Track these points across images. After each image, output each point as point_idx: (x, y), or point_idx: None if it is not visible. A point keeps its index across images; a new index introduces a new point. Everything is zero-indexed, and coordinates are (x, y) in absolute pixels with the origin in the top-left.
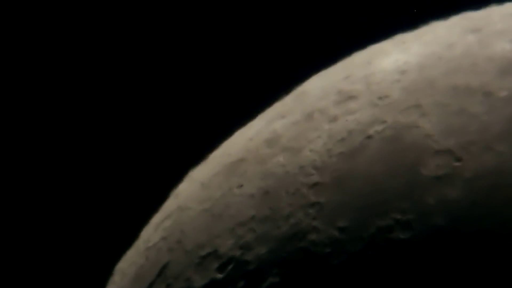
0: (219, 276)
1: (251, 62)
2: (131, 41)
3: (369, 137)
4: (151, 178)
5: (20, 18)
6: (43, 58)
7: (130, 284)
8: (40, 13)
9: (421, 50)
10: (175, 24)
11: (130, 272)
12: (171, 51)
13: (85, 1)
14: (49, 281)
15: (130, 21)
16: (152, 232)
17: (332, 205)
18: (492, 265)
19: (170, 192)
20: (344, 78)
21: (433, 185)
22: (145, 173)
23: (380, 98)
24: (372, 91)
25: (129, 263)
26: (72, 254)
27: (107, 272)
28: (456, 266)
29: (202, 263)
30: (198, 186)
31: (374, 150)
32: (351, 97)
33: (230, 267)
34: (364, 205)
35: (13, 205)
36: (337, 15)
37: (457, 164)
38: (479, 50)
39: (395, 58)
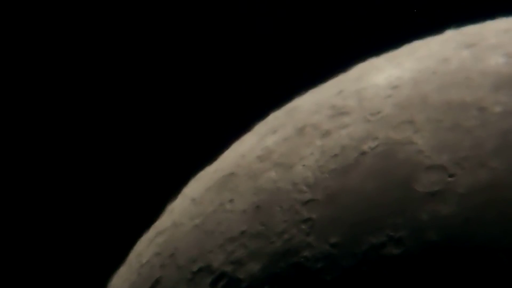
0: None
1: (244, 78)
2: (127, 60)
3: (362, 153)
4: (145, 194)
5: (20, 18)
6: (45, 59)
7: None
8: (40, 13)
9: (414, 65)
10: (165, 48)
11: None
12: (164, 70)
13: (88, 1)
14: None
15: (131, 35)
16: (145, 248)
17: (325, 221)
18: (485, 281)
19: (163, 208)
20: (337, 94)
21: (426, 201)
22: (139, 189)
23: (372, 114)
24: (364, 106)
25: (122, 279)
26: (64, 270)
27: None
28: (449, 282)
29: (194, 278)
30: (191, 202)
31: (367, 167)
32: (343, 112)
33: (222, 283)
34: (357, 221)
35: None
36: (330, 31)
37: (450, 180)
38: (474, 64)
39: (387, 74)
